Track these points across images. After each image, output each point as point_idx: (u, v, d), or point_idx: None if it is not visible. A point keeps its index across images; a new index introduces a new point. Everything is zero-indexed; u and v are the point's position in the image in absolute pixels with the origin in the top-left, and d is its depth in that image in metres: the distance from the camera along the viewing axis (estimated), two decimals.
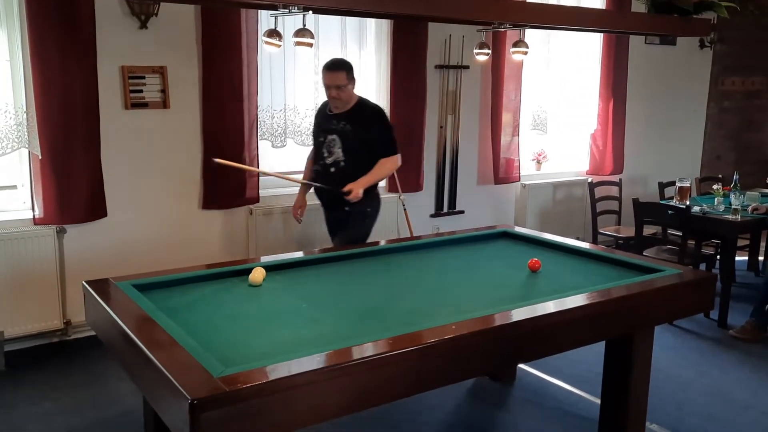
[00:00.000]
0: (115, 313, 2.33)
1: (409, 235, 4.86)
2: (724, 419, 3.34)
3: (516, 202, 5.91)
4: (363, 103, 3.88)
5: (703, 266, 4.97)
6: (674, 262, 4.20)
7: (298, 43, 3.03)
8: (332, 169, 3.81)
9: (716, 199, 4.96)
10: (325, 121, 3.88)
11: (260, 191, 4.55)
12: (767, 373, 3.87)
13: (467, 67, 5.33)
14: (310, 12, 2.86)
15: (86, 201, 3.97)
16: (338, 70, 3.72)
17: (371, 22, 4.80)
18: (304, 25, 3.00)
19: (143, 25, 4.02)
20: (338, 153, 3.78)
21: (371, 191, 3.86)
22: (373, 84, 4.89)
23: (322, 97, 4.68)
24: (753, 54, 7.10)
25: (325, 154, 3.82)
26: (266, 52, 4.33)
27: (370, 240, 3.94)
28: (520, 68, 5.58)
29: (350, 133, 3.77)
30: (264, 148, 4.53)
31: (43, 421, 3.21)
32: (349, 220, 3.88)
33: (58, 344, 4.07)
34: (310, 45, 3.08)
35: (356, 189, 3.67)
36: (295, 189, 4.77)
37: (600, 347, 3.05)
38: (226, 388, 1.78)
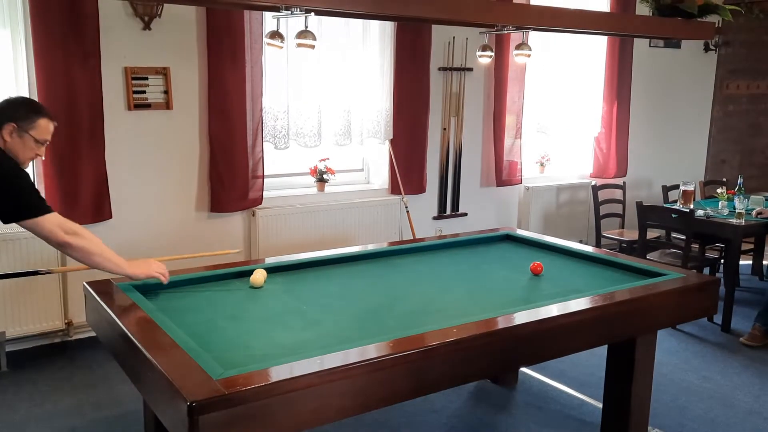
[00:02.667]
0: (115, 314, 2.33)
1: (411, 237, 4.86)
2: (727, 424, 3.32)
3: (519, 204, 5.90)
4: None
5: (707, 270, 4.95)
6: (678, 266, 4.19)
7: (299, 45, 3.03)
8: None
9: (720, 202, 4.93)
10: None
11: (264, 193, 4.55)
12: None
13: (471, 69, 5.32)
14: (312, 14, 2.86)
15: (91, 202, 3.97)
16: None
17: (375, 24, 4.79)
18: (306, 27, 3.00)
19: (147, 27, 4.02)
20: None
21: None
22: (376, 86, 4.88)
23: (327, 99, 4.69)
24: (758, 57, 7.07)
25: None
26: (270, 53, 4.34)
27: None
28: (524, 71, 5.57)
29: None
30: (267, 149, 4.52)
31: (45, 422, 3.21)
32: None
33: (60, 345, 4.07)
34: (312, 47, 3.08)
35: None
36: (298, 191, 4.83)
37: (602, 351, 3.04)
38: (225, 391, 1.77)
